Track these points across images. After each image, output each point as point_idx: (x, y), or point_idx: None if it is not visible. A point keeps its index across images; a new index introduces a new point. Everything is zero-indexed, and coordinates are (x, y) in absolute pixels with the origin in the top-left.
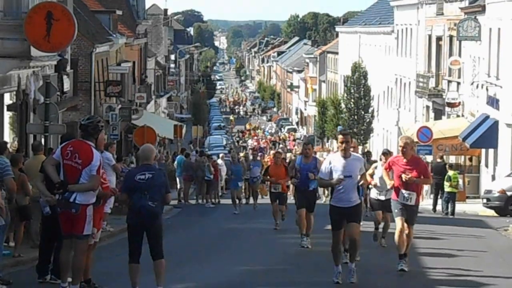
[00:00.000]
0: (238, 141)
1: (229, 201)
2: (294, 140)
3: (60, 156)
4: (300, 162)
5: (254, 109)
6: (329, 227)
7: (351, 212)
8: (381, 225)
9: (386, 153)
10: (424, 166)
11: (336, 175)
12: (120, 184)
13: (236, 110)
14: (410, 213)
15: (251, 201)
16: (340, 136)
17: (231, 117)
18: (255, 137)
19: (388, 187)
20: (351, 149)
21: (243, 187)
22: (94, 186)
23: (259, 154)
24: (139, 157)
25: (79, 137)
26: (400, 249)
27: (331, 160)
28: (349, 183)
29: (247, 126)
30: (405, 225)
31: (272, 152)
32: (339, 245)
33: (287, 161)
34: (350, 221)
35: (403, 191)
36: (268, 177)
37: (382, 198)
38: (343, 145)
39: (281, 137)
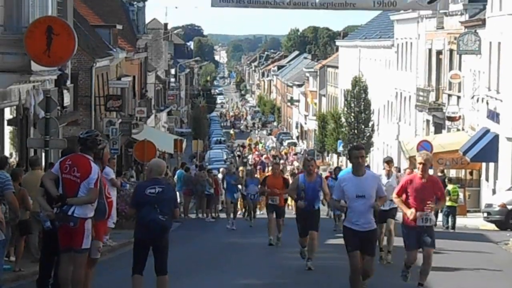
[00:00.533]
0: (239, 156)
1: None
2: (295, 154)
3: (59, 170)
4: (304, 181)
5: (254, 124)
6: (331, 241)
7: (367, 239)
8: (385, 242)
9: (390, 161)
10: (441, 187)
11: (347, 195)
12: (120, 198)
13: (237, 125)
14: (430, 234)
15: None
16: (354, 152)
17: (231, 132)
18: (256, 152)
19: (411, 217)
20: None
21: (239, 198)
22: (91, 199)
23: (258, 167)
24: (150, 171)
25: (78, 151)
26: (409, 264)
27: (344, 179)
28: (361, 204)
29: (248, 141)
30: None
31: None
32: (358, 271)
33: (288, 174)
34: (365, 253)
35: (419, 213)
36: (266, 187)
37: (386, 208)
38: (357, 160)
39: (282, 152)
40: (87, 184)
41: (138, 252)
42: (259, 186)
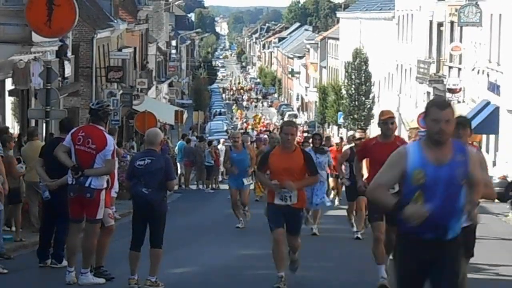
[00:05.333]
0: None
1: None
2: (305, 131)
3: (71, 142)
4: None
5: (257, 99)
6: (331, 212)
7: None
8: None
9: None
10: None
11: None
12: (121, 169)
13: (239, 99)
14: None
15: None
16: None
17: (239, 111)
18: (262, 129)
19: None
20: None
21: (251, 186)
22: (110, 170)
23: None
24: (145, 142)
25: (89, 122)
26: None
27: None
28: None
29: (254, 119)
30: None
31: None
32: None
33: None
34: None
35: None
36: (266, 173)
37: None
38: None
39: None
40: (103, 155)
41: (133, 225)
42: (254, 170)
